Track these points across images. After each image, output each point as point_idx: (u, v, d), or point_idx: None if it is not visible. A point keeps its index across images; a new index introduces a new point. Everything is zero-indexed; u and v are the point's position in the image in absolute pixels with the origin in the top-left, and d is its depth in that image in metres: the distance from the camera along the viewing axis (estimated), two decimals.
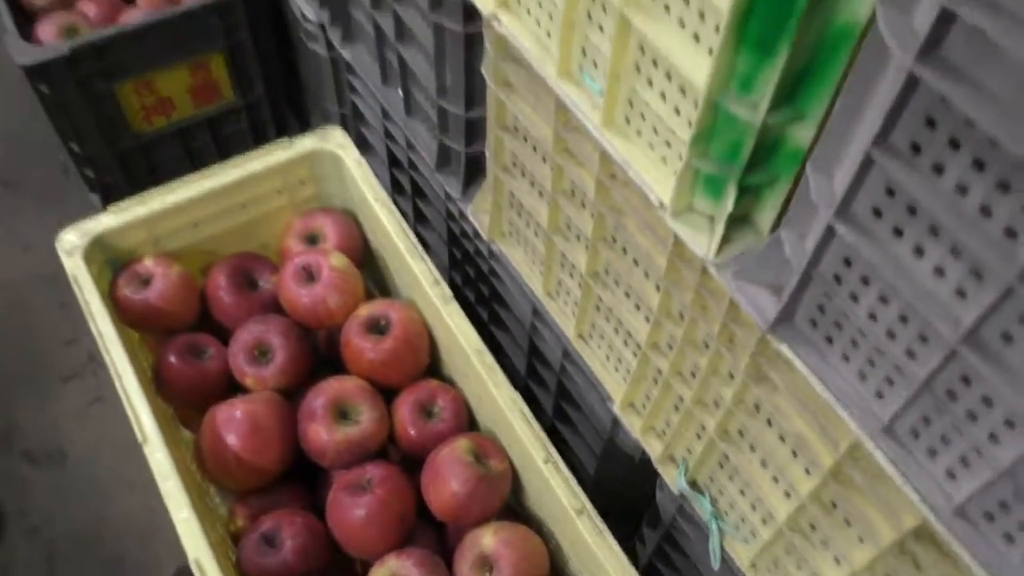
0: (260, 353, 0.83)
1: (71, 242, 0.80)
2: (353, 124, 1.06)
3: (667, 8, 0.46)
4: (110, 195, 1.13)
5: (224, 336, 0.87)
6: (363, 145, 1.07)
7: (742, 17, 0.41)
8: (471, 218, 0.85)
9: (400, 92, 0.88)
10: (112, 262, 0.84)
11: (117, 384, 0.72)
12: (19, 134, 1.23)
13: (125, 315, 0.83)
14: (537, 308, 0.82)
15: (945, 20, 0.32)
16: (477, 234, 0.85)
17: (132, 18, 1.04)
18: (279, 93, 1.16)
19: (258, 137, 1.19)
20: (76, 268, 0.78)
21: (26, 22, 1.06)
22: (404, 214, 1.05)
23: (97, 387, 0.91)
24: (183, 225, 0.87)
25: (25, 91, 0.98)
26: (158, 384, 0.83)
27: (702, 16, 0.44)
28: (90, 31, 1.04)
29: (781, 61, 0.41)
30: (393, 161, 1.00)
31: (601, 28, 0.53)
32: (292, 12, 1.04)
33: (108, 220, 0.82)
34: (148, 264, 0.84)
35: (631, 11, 0.48)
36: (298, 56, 1.12)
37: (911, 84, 0.34)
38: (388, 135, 0.97)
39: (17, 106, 1.22)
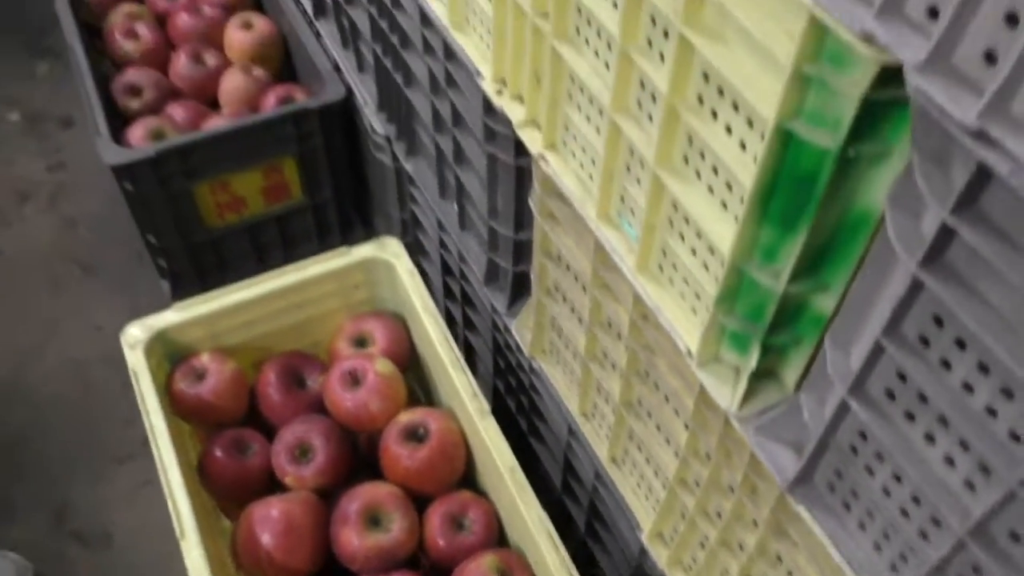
0: (301, 452, 0.86)
1: (135, 336, 0.84)
2: (412, 230, 1.11)
3: (698, 174, 0.49)
4: (179, 283, 1.20)
5: (270, 431, 0.90)
6: (420, 250, 1.11)
7: (765, 193, 0.43)
8: (514, 333, 0.87)
9: (455, 207, 0.92)
10: (171, 355, 0.89)
11: (162, 477, 0.75)
12: (103, 222, 1.31)
13: (178, 407, 0.87)
14: (572, 427, 0.83)
15: (948, 232, 0.33)
16: (520, 348, 0.87)
17: (215, 124, 1.12)
18: (345, 195, 1.21)
19: (323, 234, 1.24)
20: (137, 362, 0.82)
21: (121, 123, 1.14)
22: (453, 319, 1.09)
23: (149, 470, 0.94)
24: (240, 323, 0.91)
25: (112, 183, 1.05)
26: (202, 476, 0.86)
27: (729, 187, 0.46)
28: (176, 135, 1.11)
29: (802, 237, 0.43)
30: (446, 269, 1.03)
31: (638, 181, 0.55)
32: (363, 123, 1.10)
33: (171, 316, 0.86)
34: (204, 359, 0.88)
35: (664, 172, 0.50)
36: (365, 163, 1.18)
37: (916, 286, 0.35)
38: (443, 245, 1.00)
39: (104, 197, 1.30)
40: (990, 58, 0.29)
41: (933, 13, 0.31)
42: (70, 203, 1.35)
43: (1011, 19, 0.28)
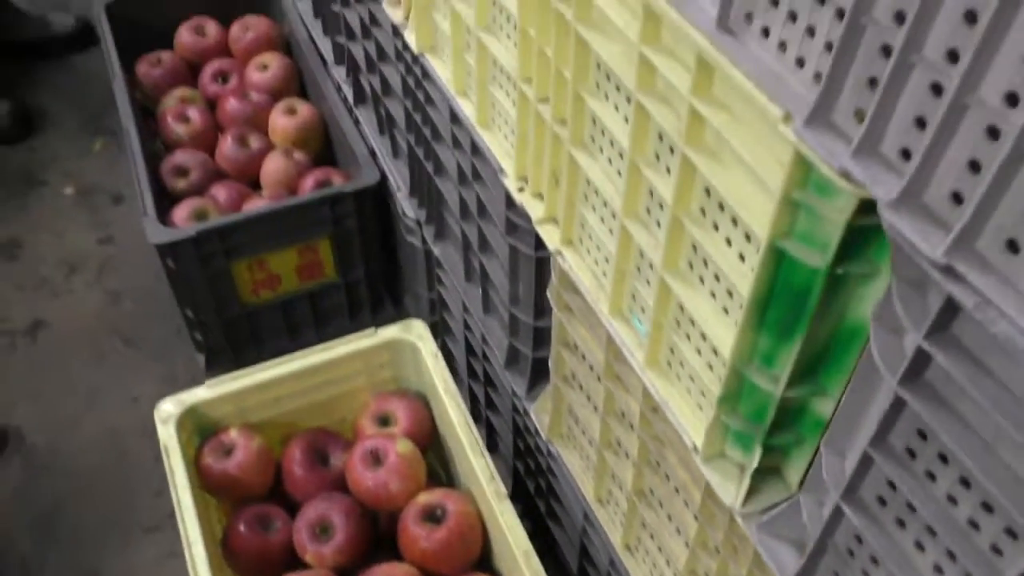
0: (322, 530, 0.88)
1: (167, 411, 0.87)
2: (439, 310, 1.14)
3: (701, 280, 0.51)
4: (214, 356, 1.24)
5: (293, 506, 0.92)
6: (446, 330, 1.14)
7: (761, 304, 0.45)
8: (533, 416, 0.89)
9: (480, 292, 0.95)
10: (202, 430, 0.92)
11: (186, 552, 0.78)
12: (145, 296, 1.36)
13: (205, 481, 0.89)
14: (588, 512, 0.83)
15: (925, 354, 0.35)
16: (538, 431, 0.89)
17: (255, 205, 1.17)
18: (376, 274, 1.25)
19: (354, 311, 1.28)
20: (168, 437, 0.85)
21: (168, 202, 1.20)
22: (476, 399, 1.11)
23: (175, 541, 0.97)
24: (269, 399, 0.94)
25: (157, 258, 1.10)
26: (225, 550, 0.88)
27: (730, 294, 0.48)
28: (218, 215, 1.17)
29: (798, 345, 0.45)
30: (470, 349, 1.06)
31: (648, 282, 0.58)
32: (395, 207, 1.15)
33: (203, 393, 0.90)
34: (233, 435, 0.91)
35: (670, 276, 0.53)
36: (397, 244, 1.23)
37: (899, 402, 0.37)
38: (467, 326, 1.03)
39: (148, 271, 1.36)
40: (957, 199, 0.32)
41: (906, 154, 0.33)
42: (116, 276, 1.41)
43: (974, 166, 0.31)
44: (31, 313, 1.37)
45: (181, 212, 1.15)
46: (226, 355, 1.23)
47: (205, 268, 1.10)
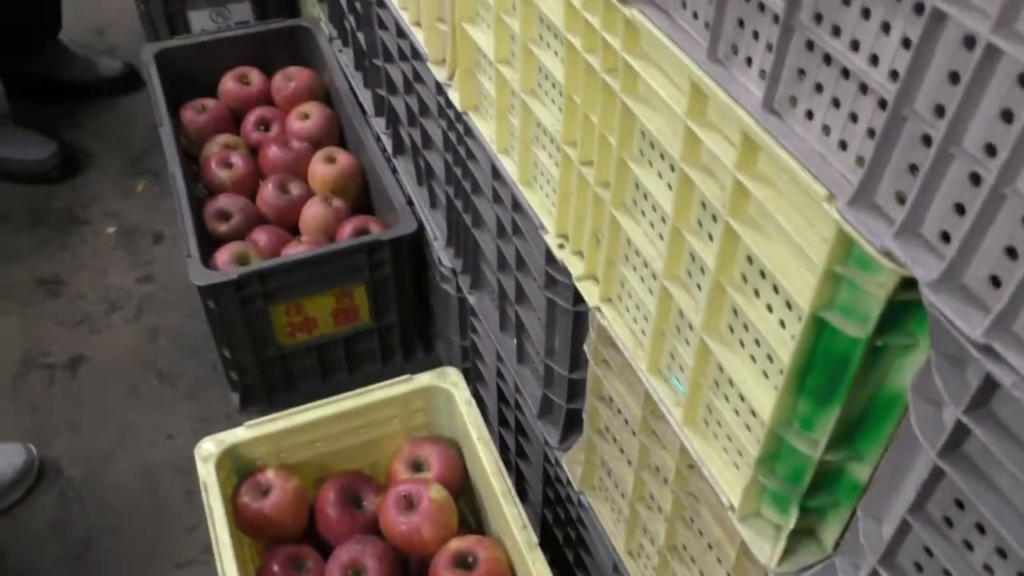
0: (354, 573, 0.89)
1: (208, 451, 0.90)
2: (471, 357, 1.16)
3: (741, 343, 0.53)
4: (248, 395, 1.26)
5: (326, 548, 0.94)
6: (477, 377, 1.16)
7: (801, 370, 0.47)
8: (565, 467, 0.90)
9: (514, 342, 0.97)
10: (239, 469, 0.94)
11: None
12: (181, 334, 1.40)
13: (241, 521, 0.91)
14: (618, 565, 0.84)
15: (963, 427, 0.36)
16: (569, 482, 0.90)
17: (295, 251, 1.20)
18: (410, 319, 1.28)
19: (386, 355, 1.30)
20: (208, 475, 0.87)
21: (209, 244, 1.24)
22: (506, 447, 1.12)
23: None
24: (305, 441, 0.96)
25: (193, 298, 1.13)
26: None
27: (770, 359, 0.50)
28: (259, 259, 1.20)
29: (837, 411, 0.46)
30: (502, 398, 1.08)
31: (687, 342, 0.59)
32: (431, 255, 1.18)
33: (242, 433, 0.92)
34: (270, 475, 0.93)
35: (711, 339, 0.55)
36: (430, 290, 1.25)
37: (937, 472, 0.38)
38: (500, 375, 1.05)
39: (185, 310, 1.40)
40: (995, 282, 0.34)
41: (945, 237, 0.35)
42: (154, 314, 1.44)
43: (1011, 252, 0.33)
44: (72, 348, 1.40)
45: (223, 255, 1.19)
46: (260, 395, 1.25)
47: (244, 310, 1.13)
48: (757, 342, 0.51)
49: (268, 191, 1.33)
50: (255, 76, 1.53)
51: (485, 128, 0.86)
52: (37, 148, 1.67)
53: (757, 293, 0.50)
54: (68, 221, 1.63)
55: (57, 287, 1.51)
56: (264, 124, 1.47)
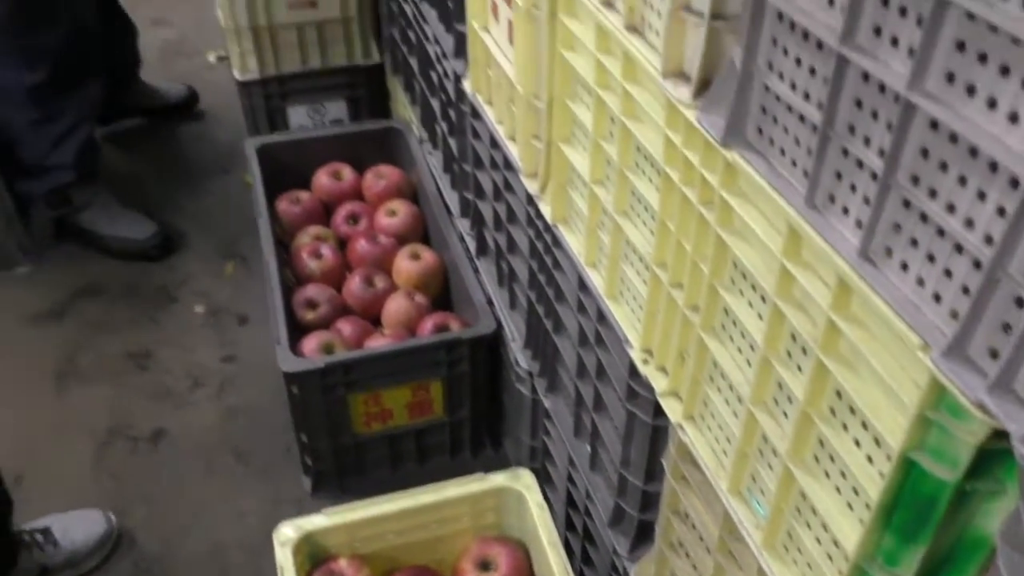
0: None
1: (286, 535, 0.93)
2: (540, 458, 1.18)
3: (827, 474, 0.54)
4: (319, 481, 1.30)
5: None
6: (546, 479, 1.18)
7: (888, 507, 0.48)
8: None
9: (588, 448, 0.99)
10: (313, 556, 0.96)
11: None
12: (260, 415, 1.45)
13: None
14: None
15: None
16: None
17: (377, 343, 1.26)
18: (481, 416, 1.31)
19: (455, 449, 1.33)
20: (285, 559, 0.90)
21: (295, 330, 1.30)
22: (571, 551, 1.12)
23: None
24: (377, 532, 0.98)
25: (274, 380, 1.18)
26: None
27: (855, 492, 0.52)
28: (342, 348, 1.26)
29: (923, 549, 0.47)
30: (571, 502, 1.09)
31: (770, 467, 0.61)
32: (507, 355, 1.21)
33: (320, 520, 0.95)
34: (343, 565, 0.95)
35: (794, 465, 0.56)
36: (504, 388, 1.28)
37: None
38: (570, 479, 1.07)
39: (265, 392, 1.45)
40: None
41: None
42: (235, 394, 1.50)
43: None
44: (155, 421, 1.46)
45: (310, 343, 1.24)
46: (332, 480, 1.29)
47: (326, 398, 1.18)
48: (843, 474, 0.52)
49: (355, 283, 1.39)
50: (347, 172, 1.62)
51: (574, 241, 0.90)
52: (140, 228, 1.79)
53: (845, 427, 0.51)
54: (161, 298, 1.72)
55: (146, 361, 1.58)
56: (353, 218, 1.55)
